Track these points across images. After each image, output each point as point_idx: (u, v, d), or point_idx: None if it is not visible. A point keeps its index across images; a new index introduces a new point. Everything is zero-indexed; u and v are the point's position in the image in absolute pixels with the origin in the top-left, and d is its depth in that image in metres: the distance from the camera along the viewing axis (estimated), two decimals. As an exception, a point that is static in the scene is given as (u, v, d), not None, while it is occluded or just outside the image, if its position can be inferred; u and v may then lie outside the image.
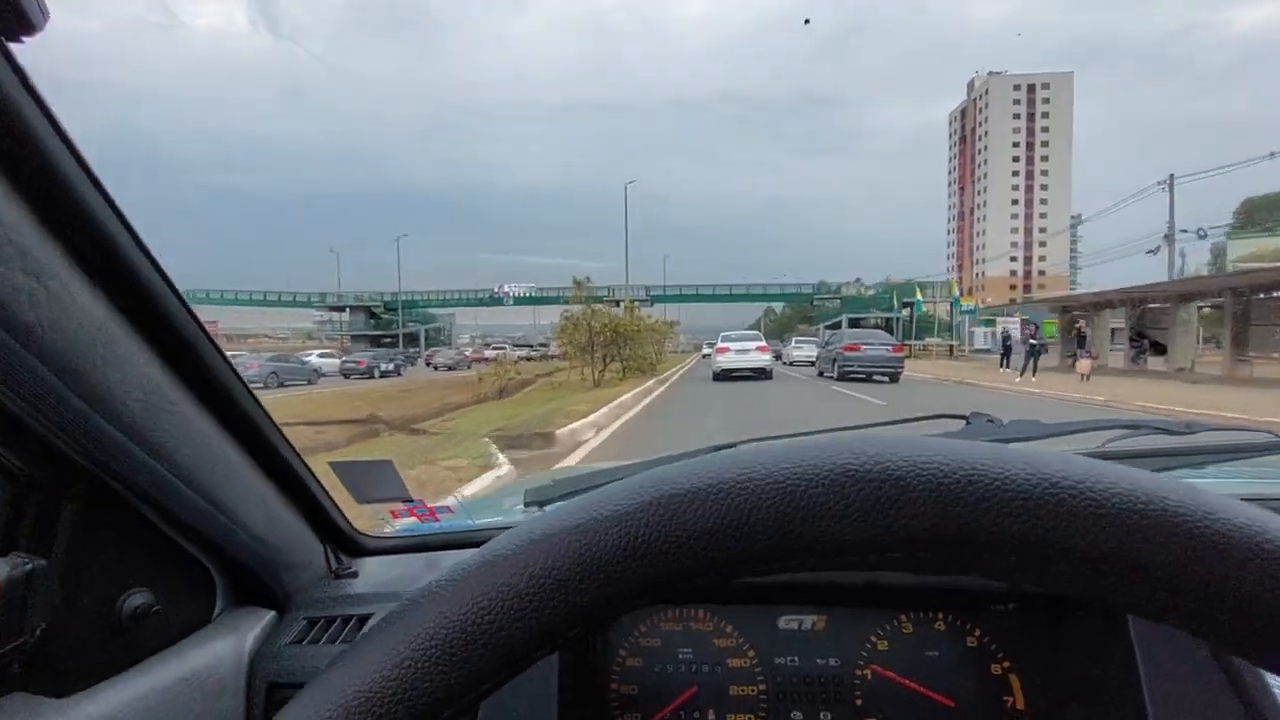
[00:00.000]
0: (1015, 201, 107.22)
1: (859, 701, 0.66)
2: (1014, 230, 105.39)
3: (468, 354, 47.38)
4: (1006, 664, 0.64)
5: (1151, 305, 19.59)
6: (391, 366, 35.24)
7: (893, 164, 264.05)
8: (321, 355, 36.62)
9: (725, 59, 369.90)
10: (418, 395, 18.51)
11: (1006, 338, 20.46)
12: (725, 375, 16.89)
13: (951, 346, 41.90)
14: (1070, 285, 73.79)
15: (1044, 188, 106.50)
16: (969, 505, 0.26)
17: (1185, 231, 29.26)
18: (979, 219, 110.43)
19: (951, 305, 42.94)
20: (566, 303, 18.88)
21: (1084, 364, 15.10)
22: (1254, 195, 65.24)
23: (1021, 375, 15.86)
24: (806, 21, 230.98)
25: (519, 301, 63.64)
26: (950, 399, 12.03)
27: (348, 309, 67.87)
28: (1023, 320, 18.74)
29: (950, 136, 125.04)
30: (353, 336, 64.63)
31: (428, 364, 43.55)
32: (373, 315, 67.48)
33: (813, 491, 0.27)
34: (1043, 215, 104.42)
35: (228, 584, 0.57)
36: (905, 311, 43.40)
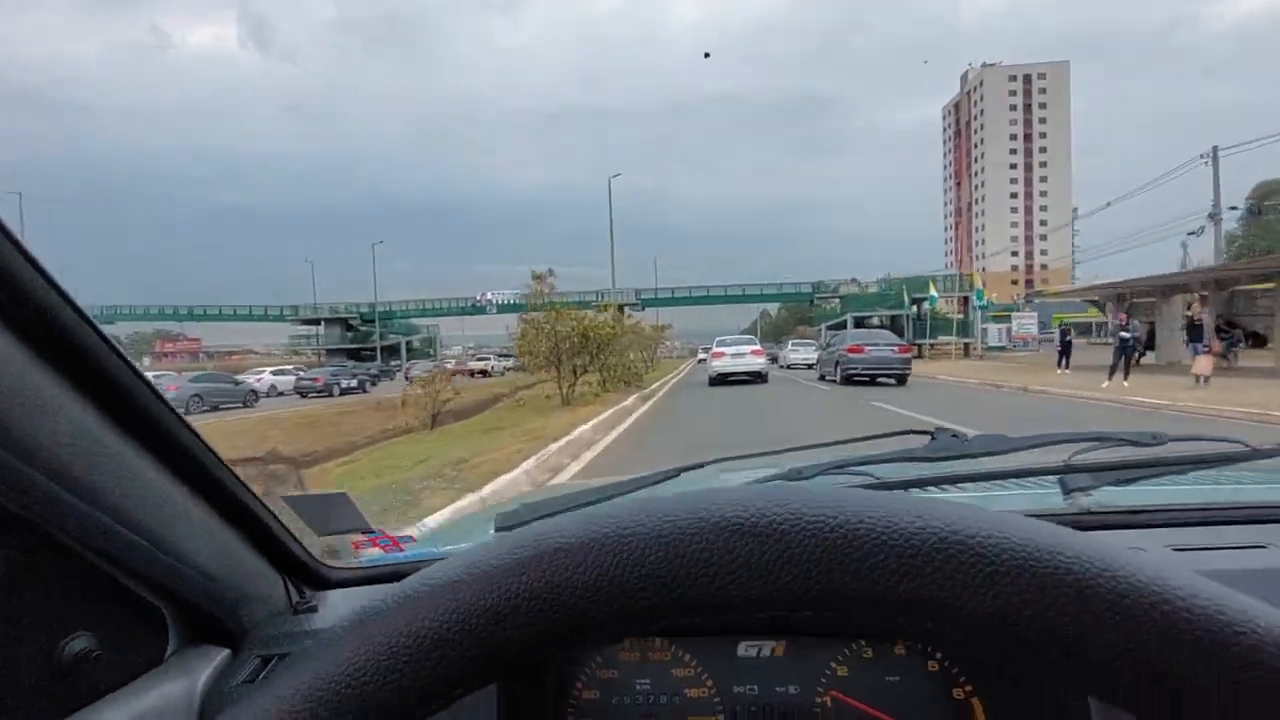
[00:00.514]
0: (1014, 195, 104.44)
1: None
2: (1014, 225, 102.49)
3: (449, 366, 44.56)
4: (968, 689, 0.63)
5: (1240, 289, 16.13)
6: (354, 383, 31.65)
7: (890, 162, 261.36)
8: (275, 372, 33.13)
9: (721, 62, 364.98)
10: (355, 419, 15.60)
11: (1065, 333, 17.02)
12: (721, 380, 16.81)
13: (968, 345, 38.60)
14: (1071, 279, 70.63)
15: (1043, 180, 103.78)
16: (853, 562, 0.25)
17: (1235, 208, 25.82)
18: (978, 214, 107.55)
19: (970, 300, 39.57)
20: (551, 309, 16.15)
21: (1203, 362, 11.41)
22: (1268, 179, 62.22)
23: (1110, 378, 12.36)
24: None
25: (502, 309, 59.86)
26: (1042, 415, 8.55)
27: (322, 321, 64.29)
28: (1119, 310, 15.31)
29: (945, 131, 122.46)
30: (328, 350, 61.11)
31: (406, 377, 40.29)
32: (350, 328, 63.94)
33: (695, 547, 0.26)
34: (1043, 209, 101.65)
35: (180, 623, 0.56)
36: (916, 308, 40.13)
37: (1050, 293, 45.97)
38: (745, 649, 0.66)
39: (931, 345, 39.30)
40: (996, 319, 43.21)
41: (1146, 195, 30.30)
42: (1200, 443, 0.78)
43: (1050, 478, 0.76)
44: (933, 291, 39.62)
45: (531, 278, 15.87)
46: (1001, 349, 40.81)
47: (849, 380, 14.68)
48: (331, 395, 28.69)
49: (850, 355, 14.93)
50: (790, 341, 32.36)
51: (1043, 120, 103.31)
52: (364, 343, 61.18)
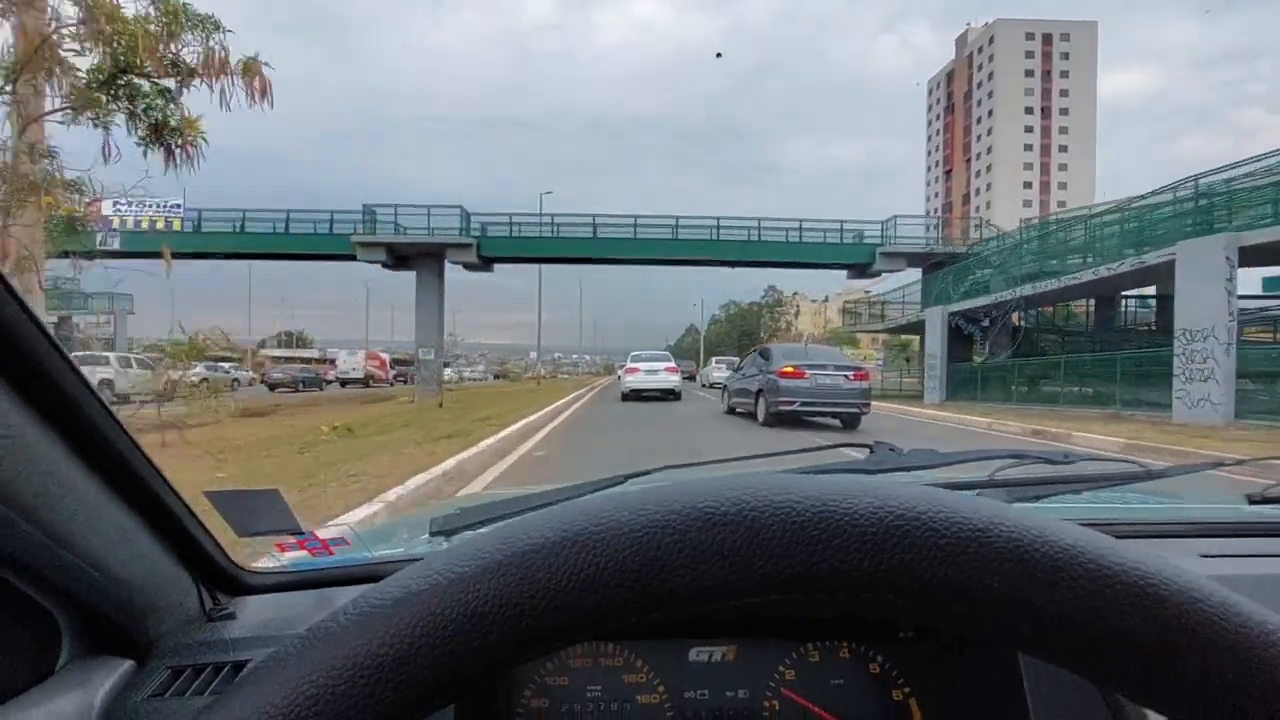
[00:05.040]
0: (1029, 184, 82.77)
1: None
2: (1027, 221, 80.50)
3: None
4: (906, 690, 0.66)
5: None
6: None
7: (804, 198, 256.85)
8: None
9: (644, 87, 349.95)
10: None
11: None
12: (635, 395, 16.91)
13: None
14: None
15: (1062, 168, 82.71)
16: (821, 543, 0.26)
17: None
18: (979, 206, 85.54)
19: None
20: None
21: None
22: None
23: None
24: (719, 55, 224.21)
25: (132, 243, 21.15)
26: None
27: None
28: None
29: (931, 109, 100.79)
30: None
31: None
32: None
33: (669, 538, 0.26)
34: (1061, 203, 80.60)
35: (76, 630, 0.49)
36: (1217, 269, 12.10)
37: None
38: (696, 654, 0.66)
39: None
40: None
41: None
42: (1106, 463, 0.83)
43: (972, 491, 0.81)
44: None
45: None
46: None
47: (780, 420, 10.12)
48: None
49: (784, 382, 9.87)
50: (713, 360, 31.53)
51: (1064, 93, 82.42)
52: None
